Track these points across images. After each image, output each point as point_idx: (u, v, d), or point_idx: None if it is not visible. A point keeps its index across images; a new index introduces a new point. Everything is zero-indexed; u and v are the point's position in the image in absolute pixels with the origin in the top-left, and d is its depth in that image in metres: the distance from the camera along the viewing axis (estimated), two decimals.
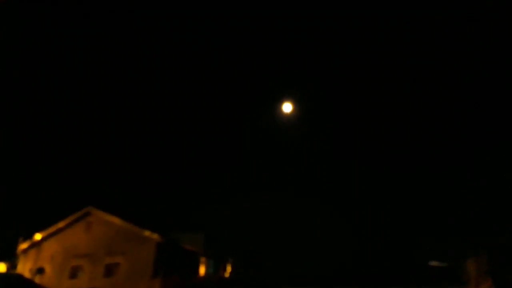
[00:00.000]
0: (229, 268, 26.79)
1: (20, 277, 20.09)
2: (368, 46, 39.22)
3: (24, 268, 22.74)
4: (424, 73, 36.70)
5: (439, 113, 36.12)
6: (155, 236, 21.40)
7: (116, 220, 22.45)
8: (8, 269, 23.22)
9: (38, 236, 23.18)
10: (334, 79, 43.32)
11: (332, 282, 18.53)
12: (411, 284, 17.33)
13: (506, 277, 14.15)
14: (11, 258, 23.46)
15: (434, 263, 19.21)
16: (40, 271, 22.14)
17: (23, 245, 23.43)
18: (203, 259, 24.70)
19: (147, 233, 21.54)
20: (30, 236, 23.42)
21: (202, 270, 24.55)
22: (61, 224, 23.36)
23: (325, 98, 42.36)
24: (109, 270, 21.44)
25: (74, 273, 22.03)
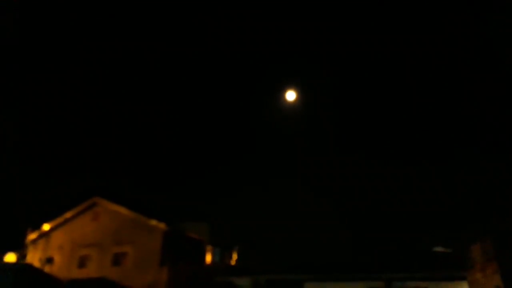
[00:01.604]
0: (235, 256, 26.99)
1: (30, 266, 20.47)
2: (375, 34, 38.85)
3: (34, 258, 23.12)
4: (431, 64, 36.34)
5: (445, 103, 35.84)
6: (162, 225, 21.57)
7: (123, 210, 22.64)
8: (18, 259, 23.56)
9: (46, 227, 23.47)
10: (338, 66, 43.01)
11: (336, 268, 18.66)
12: (415, 270, 17.39)
13: None
14: (20, 249, 23.81)
15: (438, 248, 19.21)
16: (49, 260, 22.49)
17: (32, 236, 23.76)
18: (209, 248, 24.87)
19: (154, 222, 21.72)
20: (38, 226, 23.75)
21: (208, 258, 24.76)
22: (68, 215, 23.63)
23: (329, 86, 42.12)
24: (117, 259, 21.71)
25: (82, 263, 22.34)
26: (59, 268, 22.09)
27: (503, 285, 13.97)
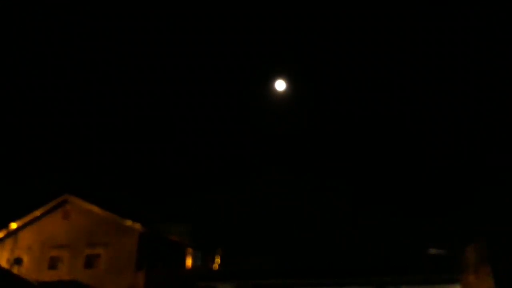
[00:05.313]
0: (217, 260, 25.92)
1: None
2: (365, 27, 38.36)
3: (1, 258, 21.89)
4: (423, 60, 35.94)
5: (439, 101, 35.43)
6: (138, 226, 20.61)
7: (95, 209, 21.60)
8: None
9: (13, 225, 22.34)
10: (328, 58, 42.36)
11: (326, 272, 17.78)
12: (408, 272, 16.76)
13: (505, 264, 13.71)
14: None
15: (432, 250, 18.79)
16: (18, 261, 21.32)
17: None
18: (190, 251, 23.91)
19: (129, 223, 20.73)
20: (5, 225, 22.49)
21: (189, 261, 23.73)
22: (37, 213, 22.45)
23: (319, 77, 41.33)
24: (90, 262, 20.72)
25: (53, 264, 21.28)
26: (28, 270, 20.89)
27: None
